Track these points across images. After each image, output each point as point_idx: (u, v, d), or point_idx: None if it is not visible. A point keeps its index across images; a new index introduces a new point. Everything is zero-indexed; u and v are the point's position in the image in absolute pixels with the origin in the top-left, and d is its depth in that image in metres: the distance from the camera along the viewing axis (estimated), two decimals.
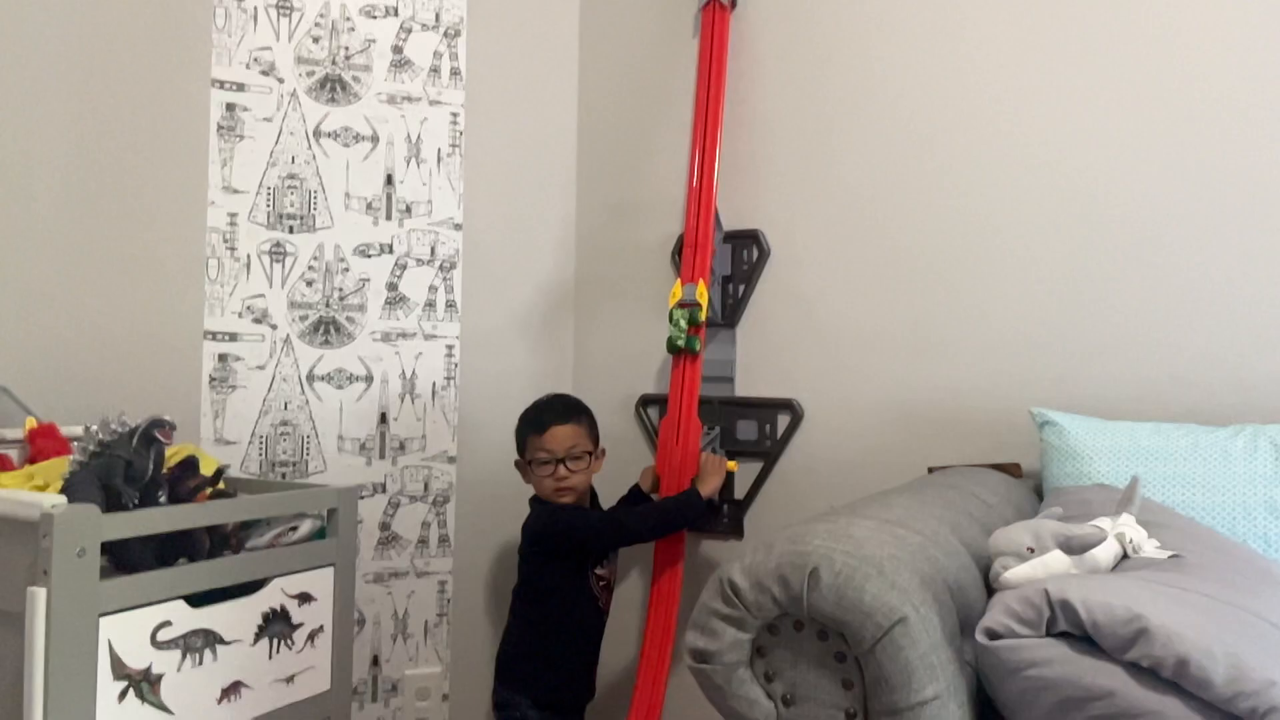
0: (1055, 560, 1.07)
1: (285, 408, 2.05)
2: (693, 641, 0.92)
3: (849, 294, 1.96)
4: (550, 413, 1.87)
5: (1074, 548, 1.07)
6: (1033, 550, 1.08)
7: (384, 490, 2.11)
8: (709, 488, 1.86)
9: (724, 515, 2.06)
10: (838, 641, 0.89)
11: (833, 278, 1.98)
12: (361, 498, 2.04)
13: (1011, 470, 1.73)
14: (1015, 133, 1.79)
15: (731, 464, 1.97)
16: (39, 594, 1.08)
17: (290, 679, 1.40)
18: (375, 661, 2.09)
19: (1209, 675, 0.81)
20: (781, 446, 2.03)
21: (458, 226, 2.18)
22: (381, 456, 2.11)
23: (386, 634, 2.10)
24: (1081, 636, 0.86)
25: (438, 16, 2.17)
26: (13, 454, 1.54)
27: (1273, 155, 1.60)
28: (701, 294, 1.99)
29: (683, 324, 1.98)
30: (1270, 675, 0.81)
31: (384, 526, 2.11)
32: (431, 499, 2.15)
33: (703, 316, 1.99)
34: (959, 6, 1.85)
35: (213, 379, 2.00)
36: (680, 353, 2.01)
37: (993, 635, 0.88)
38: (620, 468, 2.07)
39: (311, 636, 1.44)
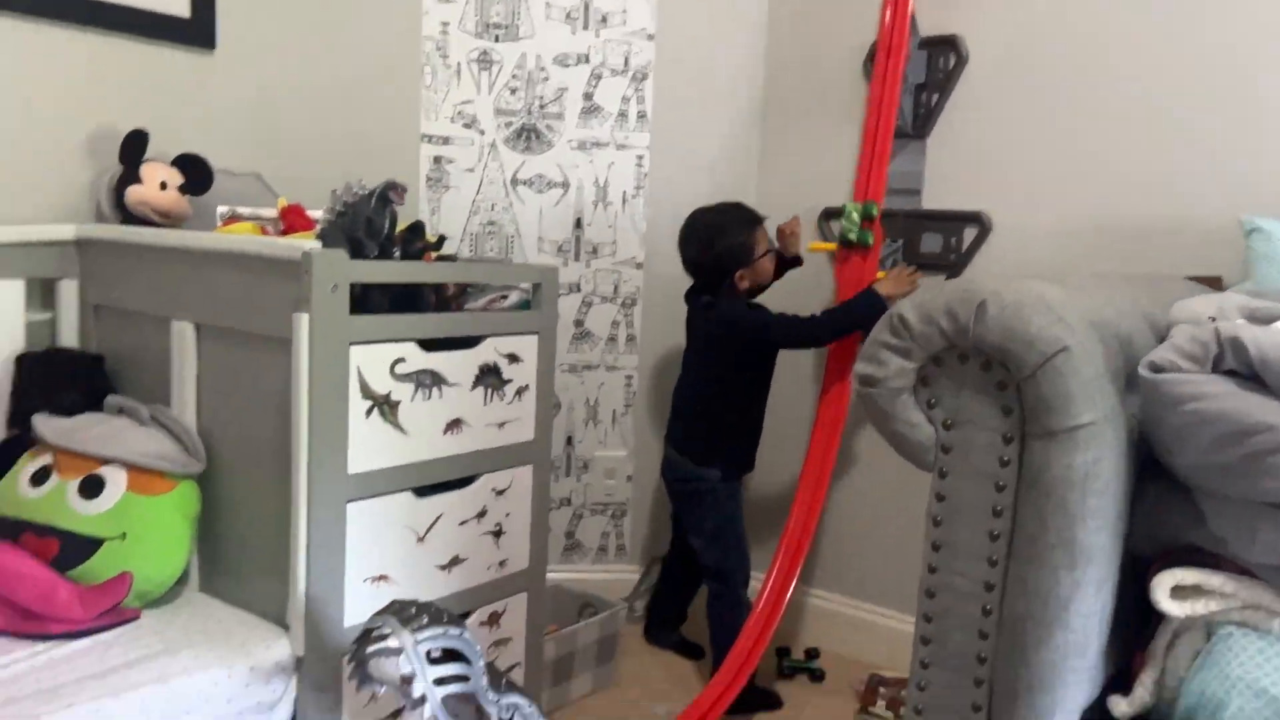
0: None
1: (492, 209, 2.23)
2: (861, 369, 1.01)
3: (1049, 101, 1.89)
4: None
5: (1259, 318, 1.06)
6: (1214, 319, 1.08)
7: (578, 290, 2.28)
8: (888, 289, 1.87)
9: None
10: (1000, 371, 0.95)
11: (1033, 84, 1.91)
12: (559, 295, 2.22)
13: (1211, 282, 1.67)
14: None
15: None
16: (303, 319, 1.29)
17: (501, 425, 1.59)
18: (569, 441, 2.31)
19: None
20: (966, 259, 2.02)
21: (650, 37, 2.23)
22: (576, 259, 2.27)
23: (579, 419, 2.31)
24: (1248, 375, 0.88)
25: None
26: (269, 229, 1.78)
27: None
28: (875, 208, 2.02)
29: (855, 217, 2.02)
30: None
31: (578, 323, 2.28)
32: (620, 301, 2.30)
33: (876, 212, 2.01)
34: None
35: (429, 179, 2.19)
36: (852, 246, 2.05)
37: (1156, 369, 0.91)
38: (798, 280, 2.11)
39: (519, 392, 1.62)
